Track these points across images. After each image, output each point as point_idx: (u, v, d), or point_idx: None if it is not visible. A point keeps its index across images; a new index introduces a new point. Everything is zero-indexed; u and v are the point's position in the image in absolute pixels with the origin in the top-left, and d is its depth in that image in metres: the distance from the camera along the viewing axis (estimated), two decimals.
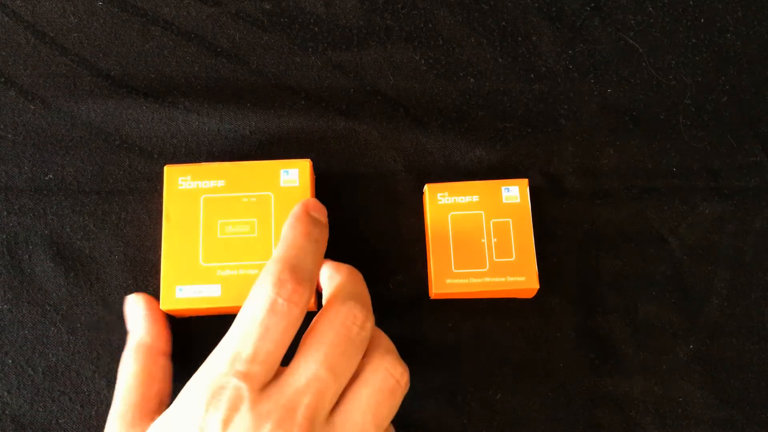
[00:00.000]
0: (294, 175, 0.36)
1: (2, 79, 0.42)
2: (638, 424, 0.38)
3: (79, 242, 0.39)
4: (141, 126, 0.41)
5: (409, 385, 0.31)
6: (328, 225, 0.33)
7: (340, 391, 0.29)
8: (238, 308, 0.30)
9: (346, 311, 0.30)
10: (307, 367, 0.28)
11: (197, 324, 0.38)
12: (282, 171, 0.36)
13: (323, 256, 0.32)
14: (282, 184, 0.36)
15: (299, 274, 0.29)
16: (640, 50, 0.43)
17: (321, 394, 0.28)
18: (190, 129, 0.41)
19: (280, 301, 0.28)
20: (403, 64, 0.42)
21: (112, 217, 0.40)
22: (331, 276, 0.33)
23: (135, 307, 0.36)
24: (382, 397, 0.30)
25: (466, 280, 0.37)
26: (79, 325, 0.38)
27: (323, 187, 0.40)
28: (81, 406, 0.37)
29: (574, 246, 0.40)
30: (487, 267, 0.37)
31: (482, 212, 0.38)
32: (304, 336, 0.30)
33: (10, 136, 0.41)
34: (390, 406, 0.30)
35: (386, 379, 0.30)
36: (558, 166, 0.41)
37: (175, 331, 0.37)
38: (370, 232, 0.40)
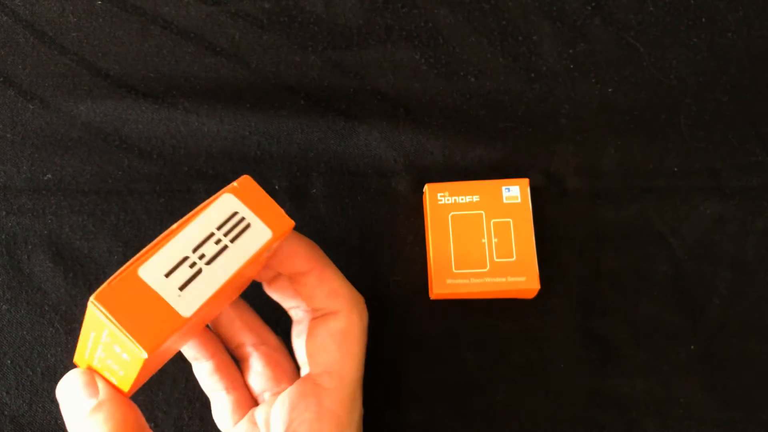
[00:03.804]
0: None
1: (1, 79, 0.42)
2: (639, 425, 0.37)
3: (78, 242, 0.39)
4: (140, 126, 0.41)
5: None
6: None
7: None
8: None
9: None
10: None
11: None
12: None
13: None
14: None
15: None
16: (641, 50, 0.43)
17: None
18: (190, 129, 0.41)
19: None
20: (403, 63, 0.42)
21: (111, 217, 0.40)
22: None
23: None
24: None
25: (466, 281, 0.37)
26: (77, 326, 0.38)
27: (324, 187, 0.40)
28: None
29: (575, 246, 0.40)
30: (488, 267, 0.37)
31: (483, 212, 0.38)
32: None
33: (8, 135, 0.41)
34: None
35: None
36: (559, 166, 0.41)
37: None
38: (369, 232, 0.40)
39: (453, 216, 0.38)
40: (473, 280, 0.37)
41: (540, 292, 0.37)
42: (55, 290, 0.39)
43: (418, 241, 0.40)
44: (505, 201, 0.38)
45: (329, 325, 0.31)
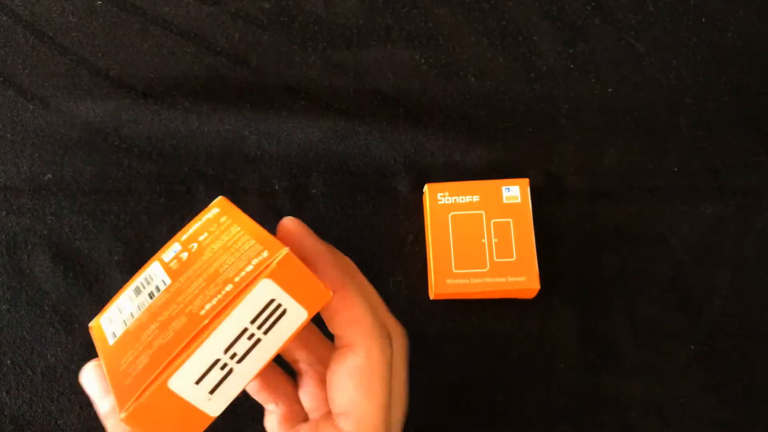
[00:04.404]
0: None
1: (1, 79, 0.42)
2: (639, 425, 0.37)
3: (78, 242, 0.39)
4: (140, 127, 0.41)
5: None
6: None
7: None
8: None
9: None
10: None
11: None
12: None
13: None
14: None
15: None
16: (641, 50, 0.42)
17: None
18: (190, 129, 0.41)
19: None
20: (403, 63, 0.42)
21: (111, 217, 0.40)
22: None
23: None
24: None
25: (466, 281, 0.37)
26: (77, 326, 0.38)
27: (324, 187, 0.40)
28: (80, 407, 0.37)
29: (575, 246, 0.40)
30: (488, 267, 0.37)
31: (483, 212, 0.38)
32: None
33: (8, 135, 0.41)
34: None
35: None
36: (559, 166, 0.41)
37: None
38: (370, 232, 0.40)
39: (453, 216, 0.38)
40: (473, 280, 0.37)
41: (540, 292, 0.37)
42: (55, 290, 0.39)
43: (418, 241, 0.40)
44: (505, 201, 0.38)
45: (347, 362, 0.28)
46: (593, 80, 0.42)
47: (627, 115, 0.42)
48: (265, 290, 0.23)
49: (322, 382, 0.31)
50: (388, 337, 0.29)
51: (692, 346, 0.38)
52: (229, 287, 0.23)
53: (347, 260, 0.29)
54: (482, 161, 0.41)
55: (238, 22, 0.43)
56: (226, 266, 0.23)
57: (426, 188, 0.39)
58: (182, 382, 0.22)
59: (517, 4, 0.43)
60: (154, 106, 0.41)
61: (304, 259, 0.25)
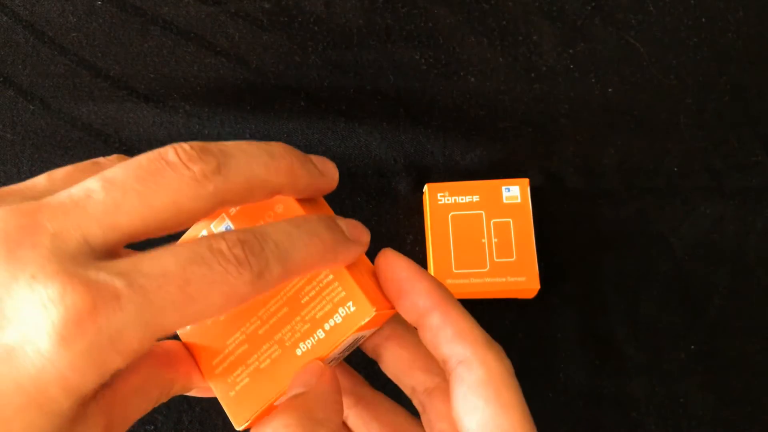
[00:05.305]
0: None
1: (1, 79, 0.42)
2: (639, 425, 0.37)
3: None
4: (141, 129, 0.41)
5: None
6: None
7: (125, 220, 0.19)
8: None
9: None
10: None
11: None
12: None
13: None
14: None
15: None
16: (641, 50, 0.42)
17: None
18: (191, 133, 0.41)
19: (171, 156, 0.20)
20: (403, 63, 0.42)
21: None
22: None
23: None
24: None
25: (466, 281, 0.37)
26: None
27: None
28: None
29: (575, 246, 0.40)
30: (488, 267, 0.37)
31: (483, 212, 0.38)
32: None
33: (8, 135, 0.41)
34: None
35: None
36: (559, 166, 0.41)
37: None
38: (370, 232, 0.40)
39: (453, 216, 0.38)
40: (473, 280, 0.37)
41: (540, 292, 0.37)
42: None
43: (418, 241, 0.40)
44: (505, 201, 0.38)
45: (466, 380, 0.24)
46: (593, 80, 0.42)
47: (627, 114, 0.42)
48: (354, 336, 0.24)
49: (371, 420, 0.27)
50: (501, 348, 0.25)
51: (692, 346, 0.38)
52: (320, 334, 0.24)
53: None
54: (482, 161, 0.41)
55: (238, 22, 0.43)
56: (307, 297, 0.24)
57: (426, 188, 0.39)
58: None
59: (517, 4, 0.43)
60: (156, 110, 0.41)
61: (402, 282, 0.25)
